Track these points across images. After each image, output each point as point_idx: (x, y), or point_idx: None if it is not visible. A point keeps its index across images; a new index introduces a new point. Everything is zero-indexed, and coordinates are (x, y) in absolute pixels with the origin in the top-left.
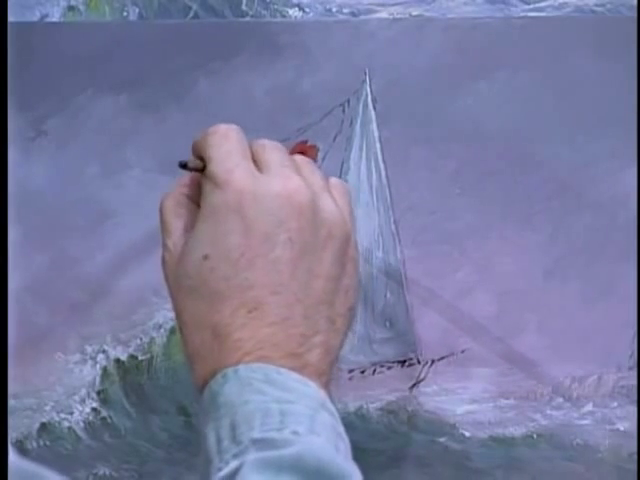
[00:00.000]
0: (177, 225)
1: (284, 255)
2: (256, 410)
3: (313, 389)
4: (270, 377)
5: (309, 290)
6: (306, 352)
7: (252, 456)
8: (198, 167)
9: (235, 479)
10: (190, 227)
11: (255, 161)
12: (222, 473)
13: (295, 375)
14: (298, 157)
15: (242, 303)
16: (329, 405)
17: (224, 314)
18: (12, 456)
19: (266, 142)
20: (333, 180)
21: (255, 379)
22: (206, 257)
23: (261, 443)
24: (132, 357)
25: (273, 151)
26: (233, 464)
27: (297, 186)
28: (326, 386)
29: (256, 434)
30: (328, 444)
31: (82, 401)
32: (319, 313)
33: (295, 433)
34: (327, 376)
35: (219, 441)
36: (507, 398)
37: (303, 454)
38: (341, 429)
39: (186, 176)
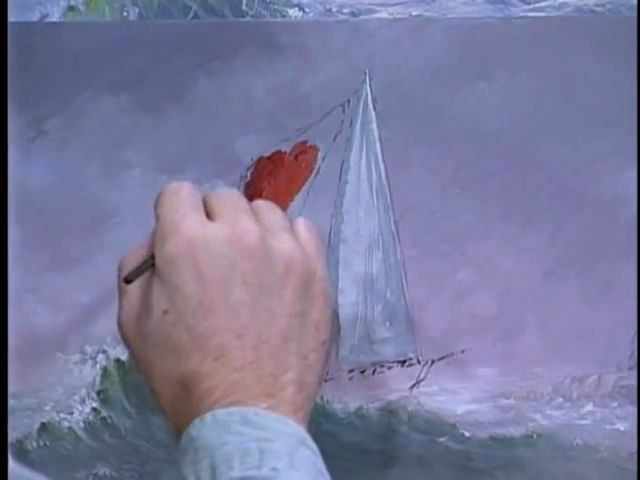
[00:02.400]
0: (133, 285)
1: (242, 297)
2: (235, 450)
3: (292, 427)
4: (248, 419)
5: (272, 329)
6: (278, 391)
7: None
8: (147, 264)
9: None
10: (146, 286)
11: (207, 212)
12: None
13: (273, 415)
14: (260, 202)
15: (207, 352)
16: (309, 442)
17: (191, 365)
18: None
19: (220, 191)
20: (300, 220)
21: (233, 422)
22: (165, 312)
23: None
24: None
25: (225, 198)
26: None
27: (245, 227)
28: (304, 421)
29: (235, 473)
30: (308, 478)
31: (82, 401)
32: (287, 351)
33: (274, 470)
34: (304, 411)
35: None
36: (507, 398)
37: None
38: (322, 466)
39: (146, 240)
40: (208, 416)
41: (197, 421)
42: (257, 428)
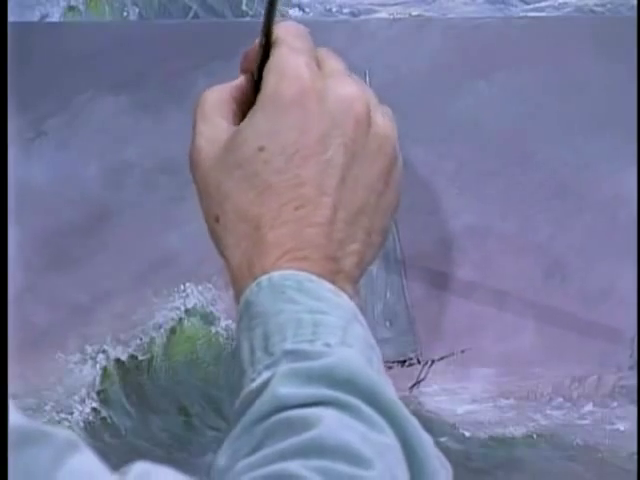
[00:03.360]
0: (218, 118)
1: (336, 159)
2: (289, 320)
3: (345, 300)
4: (303, 285)
5: (354, 198)
6: (342, 257)
7: (283, 367)
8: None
9: (265, 391)
10: (232, 123)
11: (317, 64)
12: (254, 384)
13: (328, 285)
14: (354, 75)
15: (290, 199)
16: (360, 317)
17: (271, 208)
18: (14, 416)
19: (329, 50)
20: (384, 106)
21: (288, 287)
22: (262, 148)
23: (293, 355)
24: (132, 357)
25: (336, 59)
26: (265, 375)
27: (357, 95)
28: (357, 295)
29: (288, 345)
30: (360, 356)
31: (82, 401)
32: (359, 223)
33: (327, 345)
34: (357, 285)
35: (252, 352)
36: (507, 398)
37: (334, 365)
38: (372, 341)
39: (235, 80)
40: (264, 280)
41: (254, 285)
42: (312, 297)
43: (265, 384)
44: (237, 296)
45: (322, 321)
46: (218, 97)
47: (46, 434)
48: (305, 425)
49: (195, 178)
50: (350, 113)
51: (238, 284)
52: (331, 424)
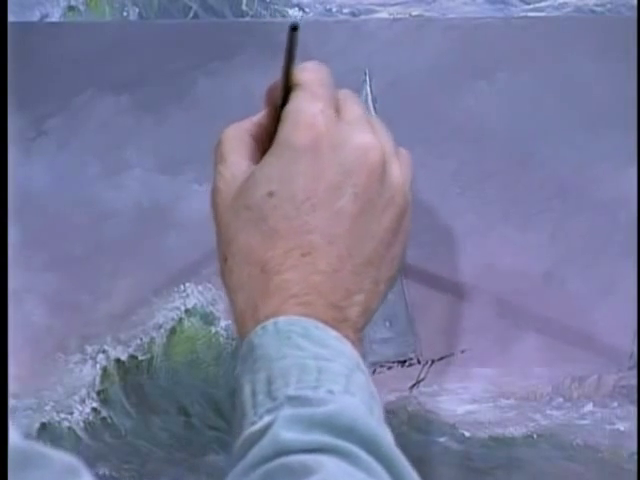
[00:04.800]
0: (236, 157)
1: (347, 208)
2: (293, 366)
3: (349, 348)
4: (309, 332)
5: (362, 248)
6: (348, 307)
7: (285, 412)
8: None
9: (266, 435)
10: (251, 162)
11: (336, 109)
12: (255, 427)
13: (333, 332)
14: (374, 117)
15: (297, 245)
16: (363, 366)
17: (277, 252)
18: (14, 438)
19: (349, 93)
20: (401, 149)
21: (294, 332)
22: (271, 194)
23: (296, 400)
24: (132, 357)
25: (355, 104)
26: (267, 419)
27: (373, 144)
28: (360, 345)
29: (291, 391)
30: (362, 405)
31: (82, 401)
32: (366, 273)
33: (330, 392)
34: (361, 335)
35: (254, 394)
36: (507, 398)
37: (336, 413)
38: (374, 389)
39: (253, 116)
40: (270, 324)
41: (259, 328)
42: (317, 344)
43: (267, 427)
44: (240, 337)
45: (326, 368)
46: (236, 135)
47: (47, 457)
48: (306, 471)
49: (214, 218)
50: (364, 163)
51: (242, 326)
52: (331, 471)
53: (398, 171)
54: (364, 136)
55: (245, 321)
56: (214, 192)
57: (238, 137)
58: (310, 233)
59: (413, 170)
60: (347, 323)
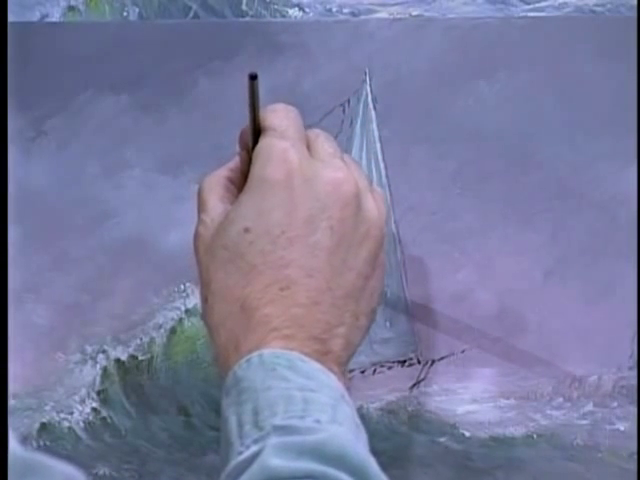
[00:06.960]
0: (215, 202)
1: (323, 241)
2: (279, 397)
3: (334, 380)
4: (294, 364)
5: (341, 281)
6: (329, 339)
7: (273, 441)
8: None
9: (255, 462)
10: (229, 205)
11: (307, 147)
12: (242, 457)
13: (317, 365)
14: (347, 156)
15: (275, 280)
16: (347, 397)
17: (256, 288)
18: (14, 446)
19: (320, 132)
20: (375, 187)
21: (279, 365)
22: (247, 230)
23: (283, 430)
24: (132, 357)
25: (326, 141)
26: (254, 448)
27: (346, 178)
28: (344, 378)
29: (278, 421)
30: (350, 434)
31: (82, 401)
32: (346, 306)
33: (318, 421)
34: (345, 368)
35: (240, 425)
36: (507, 398)
37: (325, 441)
38: (358, 421)
39: (230, 162)
40: (255, 357)
41: (244, 362)
42: (302, 375)
43: (255, 456)
44: (223, 372)
45: (312, 399)
46: (214, 181)
47: (48, 467)
48: None
49: (196, 262)
50: (338, 196)
51: (224, 361)
52: None
53: (373, 204)
54: (335, 171)
55: (228, 356)
56: (195, 237)
57: (215, 182)
58: (287, 267)
59: (388, 207)
60: (330, 356)
